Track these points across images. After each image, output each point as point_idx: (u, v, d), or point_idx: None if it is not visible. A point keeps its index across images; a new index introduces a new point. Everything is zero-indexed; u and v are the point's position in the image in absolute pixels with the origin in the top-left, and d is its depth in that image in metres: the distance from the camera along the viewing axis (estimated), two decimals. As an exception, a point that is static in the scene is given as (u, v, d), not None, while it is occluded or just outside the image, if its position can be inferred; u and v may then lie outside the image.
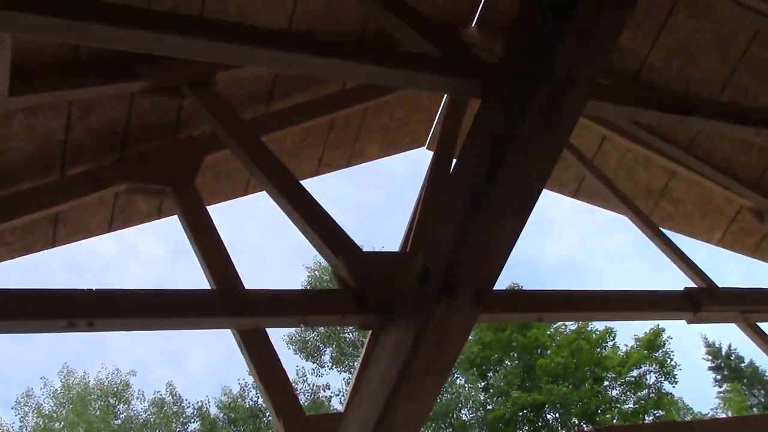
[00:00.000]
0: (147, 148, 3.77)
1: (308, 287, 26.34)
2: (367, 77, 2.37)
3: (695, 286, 3.98)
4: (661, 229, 4.94)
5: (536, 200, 2.47)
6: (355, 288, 2.78)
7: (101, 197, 3.72)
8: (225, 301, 2.69)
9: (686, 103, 2.86)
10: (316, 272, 27.56)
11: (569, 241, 44.70)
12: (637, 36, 4.71)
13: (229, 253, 3.37)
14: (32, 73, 3.23)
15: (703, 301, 3.43)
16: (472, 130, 2.38)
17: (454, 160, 4.40)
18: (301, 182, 4.09)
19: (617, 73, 4.79)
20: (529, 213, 2.46)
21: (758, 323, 3.94)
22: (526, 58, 2.22)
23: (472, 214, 2.29)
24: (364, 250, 2.96)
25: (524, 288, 26.68)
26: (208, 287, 3.24)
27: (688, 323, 3.49)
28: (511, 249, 2.53)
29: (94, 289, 2.54)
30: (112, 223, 4.00)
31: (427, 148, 5.34)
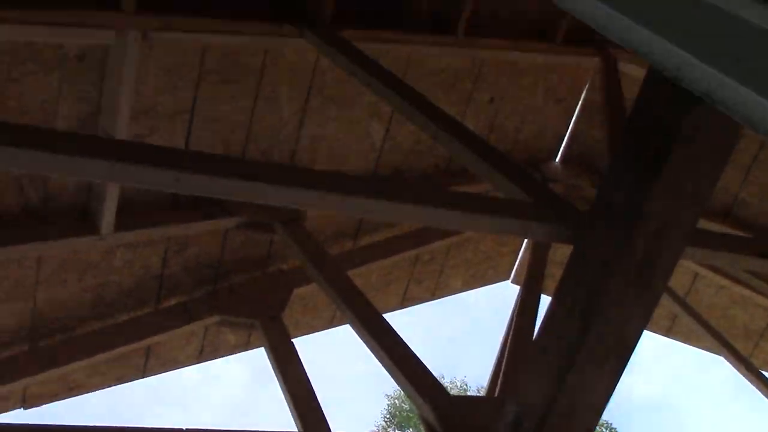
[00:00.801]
0: (238, 282, 3.87)
1: (388, 417, 25.75)
2: (458, 225, 2.39)
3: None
4: (763, 372, 4.67)
5: (633, 351, 2.38)
6: (441, 434, 2.70)
7: (192, 329, 3.80)
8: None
9: (786, 249, 2.76)
10: (396, 401, 26.97)
11: (661, 379, 42.41)
12: (727, 171, 4.63)
13: (314, 388, 3.36)
14: (135, 211, 3.40)
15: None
16: (563, 279, 2.35)
17: (541, 296, 4.34)
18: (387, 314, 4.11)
19: (708, 209, 4.69)
20: (626, 364, 2.37)
21: None
22: (617, 209, 2.20)
23: (565, 367, 2.22)
24: (445, 382, 2.90)
25: (615, 427, 25.30)
26: (291, 420, 3.23)
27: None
28: (607, 402, 2.42)
29: (184, 429, 2.55)
30: (201, 355, 4.06)
31: (511, 281, 5.29)
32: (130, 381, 3.86)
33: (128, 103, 2.98)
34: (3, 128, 1.83)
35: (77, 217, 3.26)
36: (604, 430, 24.55)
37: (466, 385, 24.76)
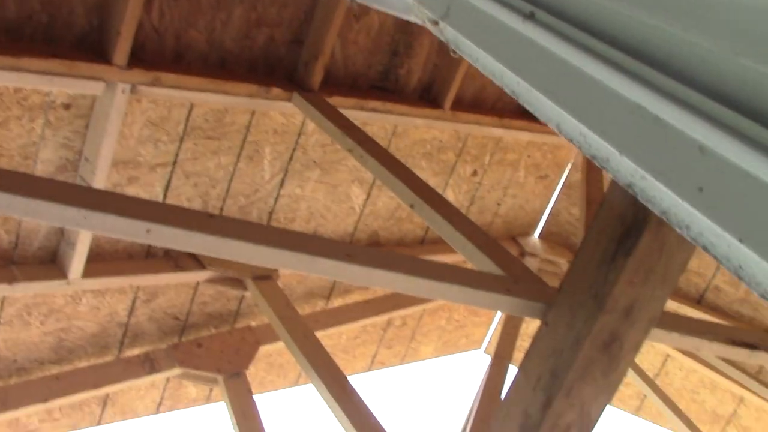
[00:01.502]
0: (204, 335, 3.82)
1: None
2: (431, 293, 2.39)
3: None
4: (729, 460, 4.65)
5: (593, 428, 2.37)
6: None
7: (153, 380, 3.73)
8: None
9: (751, 337, 2.78)
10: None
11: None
12: (702, 257, 4.69)
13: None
14: (106, 257, 3.38)
15: None
16: (529, 352, 2.35)
17: (511, 367, 4.31)
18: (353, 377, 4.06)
19: (679, 293, 4.73)
20: (586, 444, 2.35)
21: None
22: (587, 287, 2.22)
23: (525, 442, 2.20)
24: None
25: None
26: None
27: None
28: (566, 480, 2.39)
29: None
30: (159, 406, 3.98)
31: (484, 351, 5.27)
32: (85, 428, 3.76)
33: (109, 153, 2.99)
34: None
35: (46, 261, 3.23)
36: None
37: (435, 456, 24.39)
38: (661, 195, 0.71)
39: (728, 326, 4.00)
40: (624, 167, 0.73)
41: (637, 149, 0.70)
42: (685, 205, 0.68)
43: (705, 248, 0.70)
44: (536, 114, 0.83)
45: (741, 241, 0.65)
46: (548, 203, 5.10)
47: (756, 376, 4.86)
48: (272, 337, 3.88)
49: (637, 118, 0.70)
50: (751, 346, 2.83)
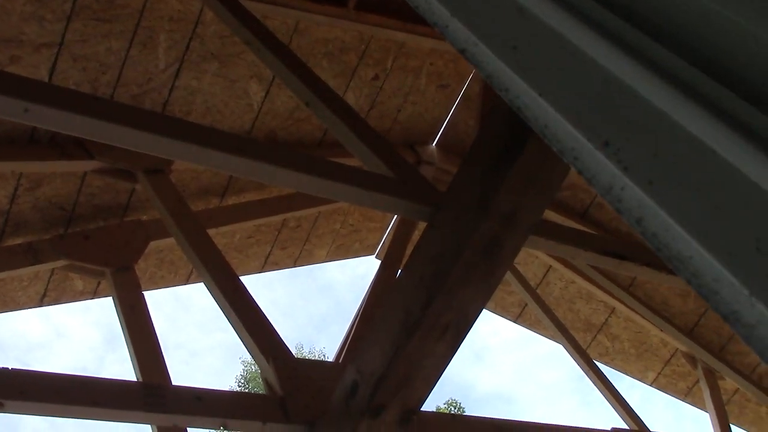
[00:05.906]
0: (92, 228, 3.73)
1: (242, 381, 25.66)
2: (318, 191, 2.41)
3: (624, 426, 3.99)
4: (597, 363, 5.00)
5: (470, 328, 2.50)
6: (281, 396, 2.73)
7: (36, 271, 3.64)
8: (146, 395, 2.61)
9: (622, 248, 2.96)
10: (252, 366, 26.93)
11: (505, 370, 44.75)
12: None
13: (161, 344, 3.30)
14: (-15, 141, 3.22)
15: (628, 444, 3.43)
16: (414, 253, 2.42)
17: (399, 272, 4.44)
18: (247, 277, 4.08)
19: (565, 208, 4.94)
20: (462, 340, 2.48)
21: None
22: (472, 192, 2.29)
23: (405, 337, 2.30)
24: (304, 352, 2.93)
25: (462, 405, 26.31)
26: (134, 377, 3.16)
27: (613, 464, 3.48)
28: (441, 373, 2.53)
29: (9, 368, 2.46)
30: (43, 299, 3.90)
31: (376, 257, 5.38)
32: (-37, 319, 3.66)
33: (-12, 26, 2.81)
34: None
35: None
36: (452, 408, 25.52)
37: (324, 355, 25.11)
38: (486, 58, 0.74)
39: (602, 237, 4.24)
40: (458, 32, 0.75)
41: (465, 11, 0.72)
42: (501, 64, 0.71)
43: (519, 110, 0.73)
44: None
45: (540, 95, 0.69)
46: (448, 113, 5.15)
47: (627, 288, 5.20)
48: (163, 233, 3.82)
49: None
50: (621, 257, 3.02)
